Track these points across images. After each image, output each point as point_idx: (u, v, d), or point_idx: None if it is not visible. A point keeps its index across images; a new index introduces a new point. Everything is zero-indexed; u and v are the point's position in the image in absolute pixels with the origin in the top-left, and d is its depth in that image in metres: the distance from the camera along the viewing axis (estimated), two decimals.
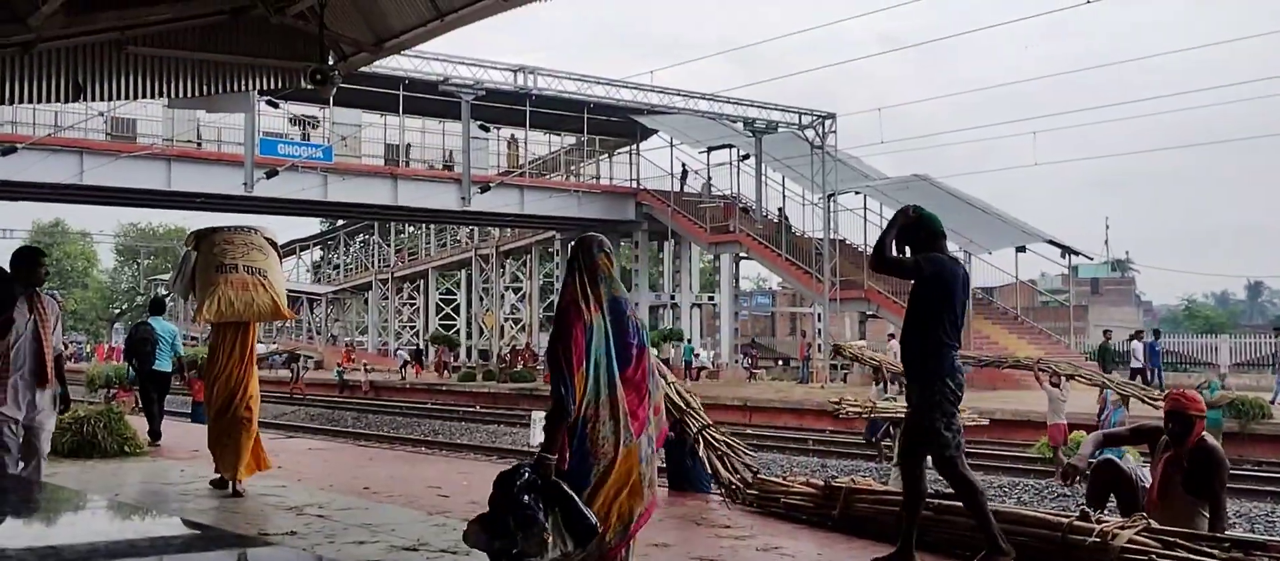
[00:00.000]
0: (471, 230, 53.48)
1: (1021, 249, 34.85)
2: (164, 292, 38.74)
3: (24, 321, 6.72)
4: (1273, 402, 22.85)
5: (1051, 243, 35.12)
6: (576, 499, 3.77)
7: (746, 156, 40.66)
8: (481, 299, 53.60)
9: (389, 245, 62.21)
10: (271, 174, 33.55)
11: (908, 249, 5.80)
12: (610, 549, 4.03)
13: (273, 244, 8.48)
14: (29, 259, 7.02)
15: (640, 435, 4.06)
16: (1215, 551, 5.37)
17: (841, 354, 21.42)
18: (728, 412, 25.50)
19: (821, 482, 7.59)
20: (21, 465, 6.68)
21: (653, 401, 4.19)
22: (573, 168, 43.89)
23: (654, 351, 4.94)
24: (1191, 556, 5.24)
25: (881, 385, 19.03)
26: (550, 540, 3.65)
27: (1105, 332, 25.99)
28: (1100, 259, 60.49)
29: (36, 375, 6.71)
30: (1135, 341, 26.51)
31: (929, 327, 5.61)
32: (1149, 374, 25.98)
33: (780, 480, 8.31)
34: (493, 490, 3.87)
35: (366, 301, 64.47)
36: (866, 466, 16.68)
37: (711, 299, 45.44)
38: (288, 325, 61.93)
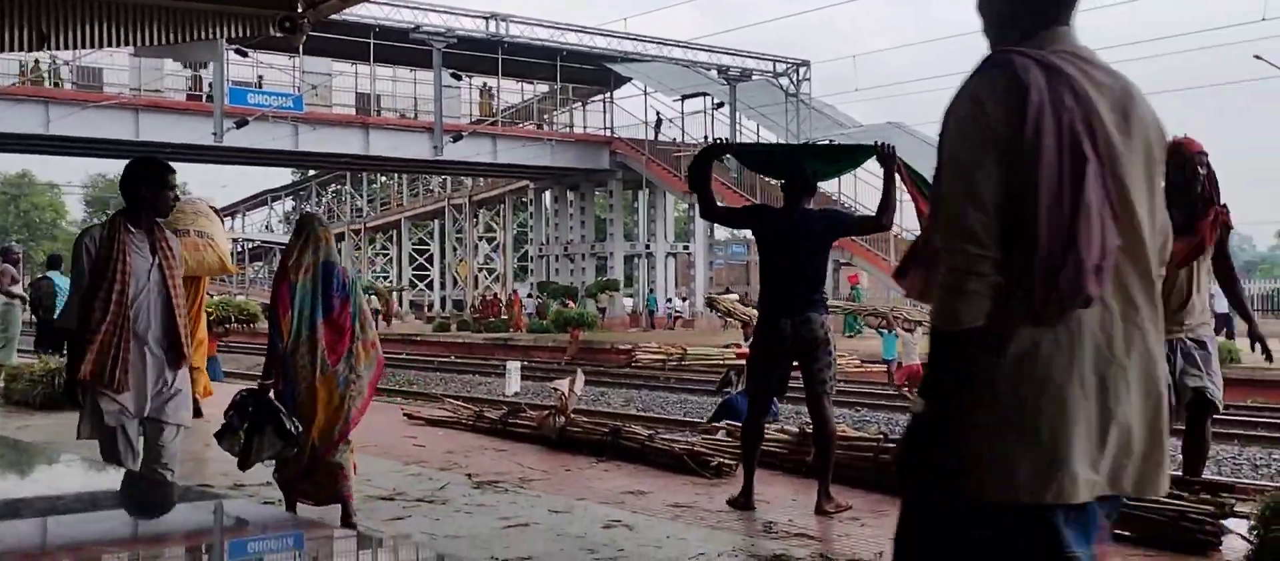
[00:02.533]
0: (444, 180, 53.19)
1: None
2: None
3: (145, 267, 4.72)
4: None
5: None
6: (282, 411, 5.06)
7: (721, 104, 40.51)
8: (455, 249, 53.42)
9: (361, 195, 61.80)
10: (241, 124, 33.19)
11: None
12: (322, 450, 5.21)
13: (215, 211, 9.96)
14: (151, 175, 4.84)
15: (337, 364, 5.24)
16: (1185, 494, 5.43)
17: (715, 308, 21.50)
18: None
19: (797, 430, 7.63)
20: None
21: (362, 338, 5.37)
22: (546, 116, 43.62)
23: (373, 299, 6.40)
24: (1164, 499, 5.29)
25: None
26: (260, 442, 5.03)
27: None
28: None
29: (166, 346, 4.74)
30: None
31: (762, 278, 6.44)
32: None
33: None
34: (228, 406, 5.18)
35: (339, 252, 64.14)
36: (840, 413, 16.78)
37: (686, 248, 45.46)
38: (259, 277, 61.63)
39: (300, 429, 5.06)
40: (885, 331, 22.68)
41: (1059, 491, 2.03)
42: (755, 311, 20.58)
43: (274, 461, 5.24)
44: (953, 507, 2.11)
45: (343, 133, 37.18)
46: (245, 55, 33.41)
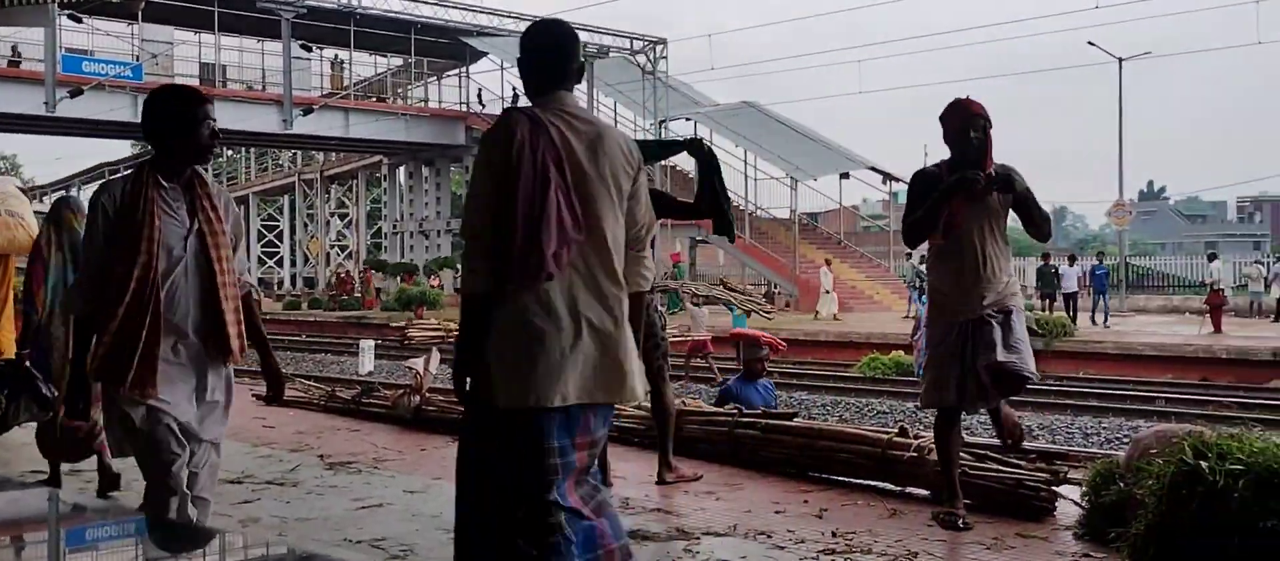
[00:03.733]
0: (294, 154, 51.81)
1: (845, 175, 35.85)
2: None
3: (180, 233, 3.59)
4: (1104, 323, 24.32)
5: (873, 169, 36.22)
6: (39, 377, 5.17)
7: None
8: (306, 225, 52.13)
9: (206, 169, 59.74)
10: (76, 93, 31.66)
11: None
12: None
13: (24, 192, 9.80)
14: (182, 108, 3.69)
15: None
16: (1022, 463, 5.68)
17: None
18: None
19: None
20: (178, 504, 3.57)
21: None
22: (400, 90, 42.88)
23: None
24: (1002, 469, 5.53)
25: None
26: (17, 407, 5.12)
27: (1044, 255, 26.70)
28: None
29: (207, 338, 3.63)
30: (1067, 265, 26.85)
31: None
32: (1093, 299, 25.82)
33: None
34: None
35: None
36: (695, 388, 17.02)
37: None
38: None
39: (56, 393, 5.17)
40: (733, 306, 23.08)
41: (538, 399, 3.00)
42: None
43: (36, 427, 5.58)
44: (482, 412, 3.09)
45: None
46: (80, 21, 31.86)
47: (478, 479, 3.09)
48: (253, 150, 54.74)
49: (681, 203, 6.59)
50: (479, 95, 41.85)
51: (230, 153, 59.35)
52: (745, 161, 36.25)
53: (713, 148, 6.45)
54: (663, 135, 36.18)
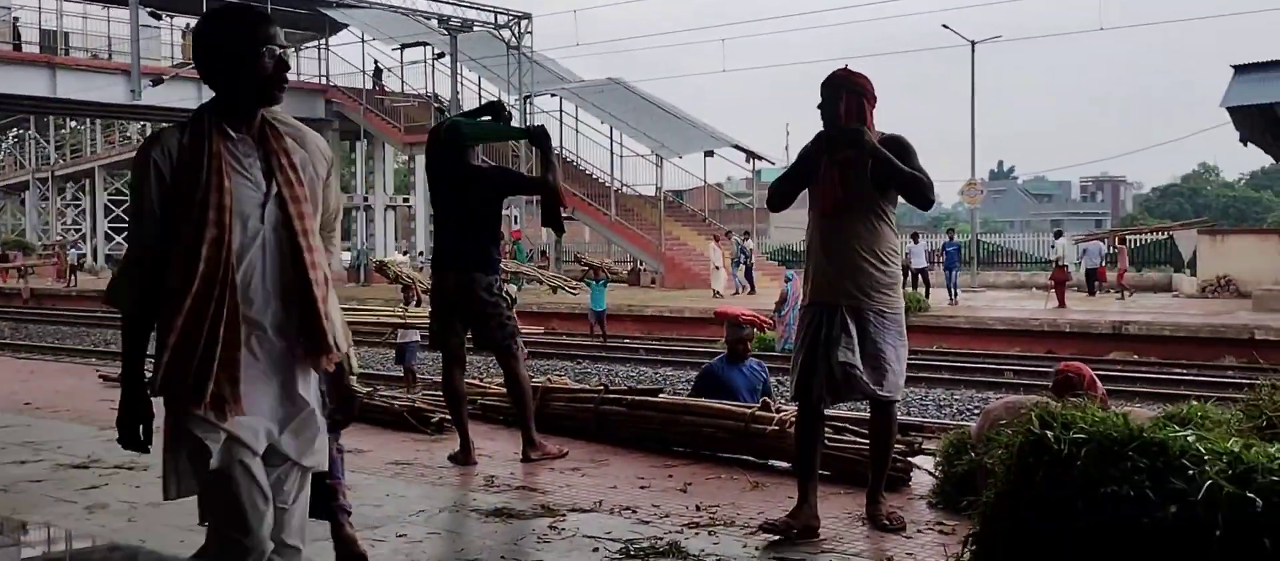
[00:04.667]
0: (144, 125, 49.80)
1: (710, 153, 36.17)
2: None
3: (255, 200, 2.81)
4: (953, 299, 25.10)
5: (737, 147, 36.64)
6: None
7: (441, 55, 39.81)
8: None
9: (48, 141, 56.96)
10: None
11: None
12: None
13: None
14: (233, 31, 2.86)
15: None
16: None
17: (385, 273, 21.33)
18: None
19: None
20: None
21: None
22: None
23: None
24: (860, 440, 5.66)
25: (412, 304, 15.87)
26: None
27: (913, 235, 27.21)
28: (782, 164, 63.76)
29: (292, 334, 2.84)
30: (912, 243, 27.30)
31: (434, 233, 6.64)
32: (945, 276, 26.19)
33: (476, 382, 8.33)
34: None
35: (23, 202, 58.98)
36: (561, 365, 17.02)
37: (407, 201, 44.59)
38: None
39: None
40: (593, 282, 23.16)
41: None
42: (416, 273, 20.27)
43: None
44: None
45: (24, 72, 34.11)
46: None
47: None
48: (99, 122, 52.47)
49: (529, 180, 6.60)
50: (376, 70, 40.92)
51: (74, 124, 56.79)
52: (611, 138, 36.30)
53: (552, 138, 6.47)
54: (529, 111, 36.00)
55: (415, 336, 13.14)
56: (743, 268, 30.56)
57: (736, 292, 29.40)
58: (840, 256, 4.64)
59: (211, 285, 2.69)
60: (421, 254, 35.02)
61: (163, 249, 2.74)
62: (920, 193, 4.62)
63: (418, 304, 14.15)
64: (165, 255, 2.73)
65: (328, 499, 4.00)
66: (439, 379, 7.22)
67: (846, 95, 4.67)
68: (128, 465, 6.07)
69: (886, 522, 4.72)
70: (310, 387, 2.88)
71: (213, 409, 2.67)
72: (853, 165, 4.61)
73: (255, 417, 2.74)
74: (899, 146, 4.65)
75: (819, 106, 4.72)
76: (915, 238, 27.26)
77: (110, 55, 37.20)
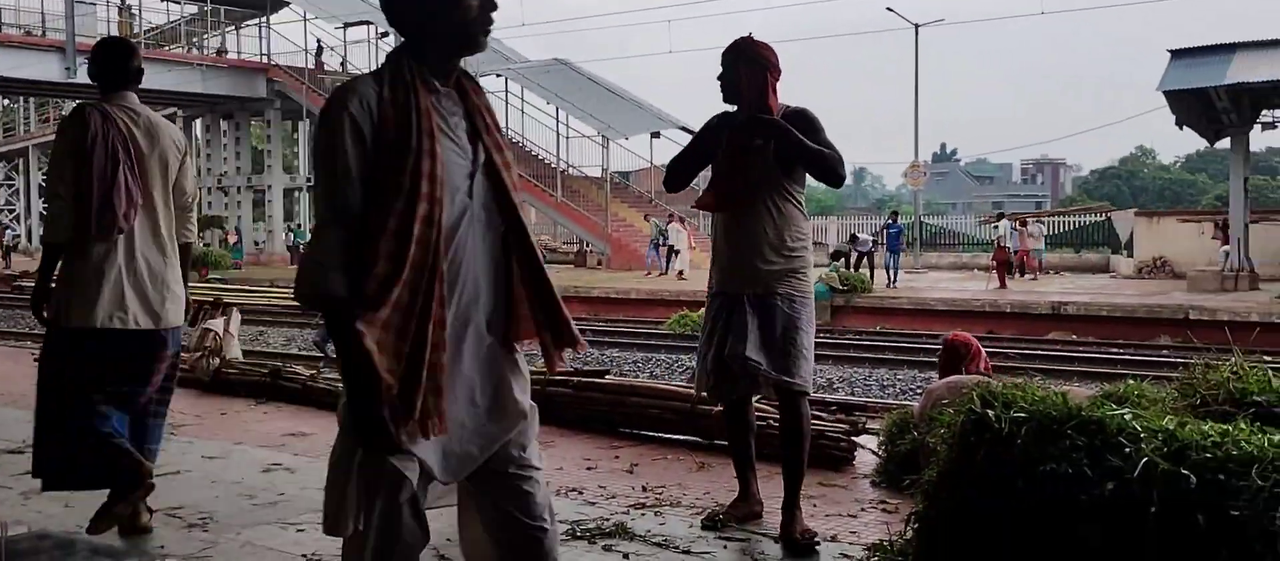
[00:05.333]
0: (78, 103, 48.80)
1: (656, 134, 36.14)
2: None
3: (464, 169, 2.38)
4: (892, 281, 25.29)
5: (684, 129, 36.58)
6: None
7: (385, 34, 39.30)
8: None
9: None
10: None
11: None
12: None
13: None
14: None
15: None
16: (824, 414, 5.88)
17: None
18: None
19: None
20: None
21: None
22: (196, 39, 40.84)
23: None
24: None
25: None
26: None
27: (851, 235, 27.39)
28: None
29: (502, 329, 2.48)
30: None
31: None
32: (886, 259, 26.01)
33: None
34: None
35: None
36: None
37: None
38: None
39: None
40: None
41: (85, 320, 4.10)
42: None
43: None
44: (60, 330, 4.20)
45: None
46: None
47: (57, 383, 4.19)
48: (33, 100, 51.32)
49: None
50: (318, 49, 40.33)
51: (7, 101, 55.50)
52: (557, 119, 36.15)
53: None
54: None
55: None
56: (664, 248, 30.28)
57: (651, 274, 29.36)
58: (744, 242, 4.30)
59: (421, 274, 2.24)
60: None
61: (362, 226, 2.26)
62: (830, 169, 4.21)
63: None
64: (368, 233, 2.25)
65: (137, 470, 4.21)
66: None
67: (746, 67, 4.29)
68: None
69: (799, 538, 4.18)
70: (525, 388, 2.48)
71: (423, 422, 2.25)
72: (756, 147, 4.25)
73: (459, 437, 2.36)
74: (805, 121, 4.25)
75: (718, 77, 4.36)
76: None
77: (44, 32, 36.35)
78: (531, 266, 2.45)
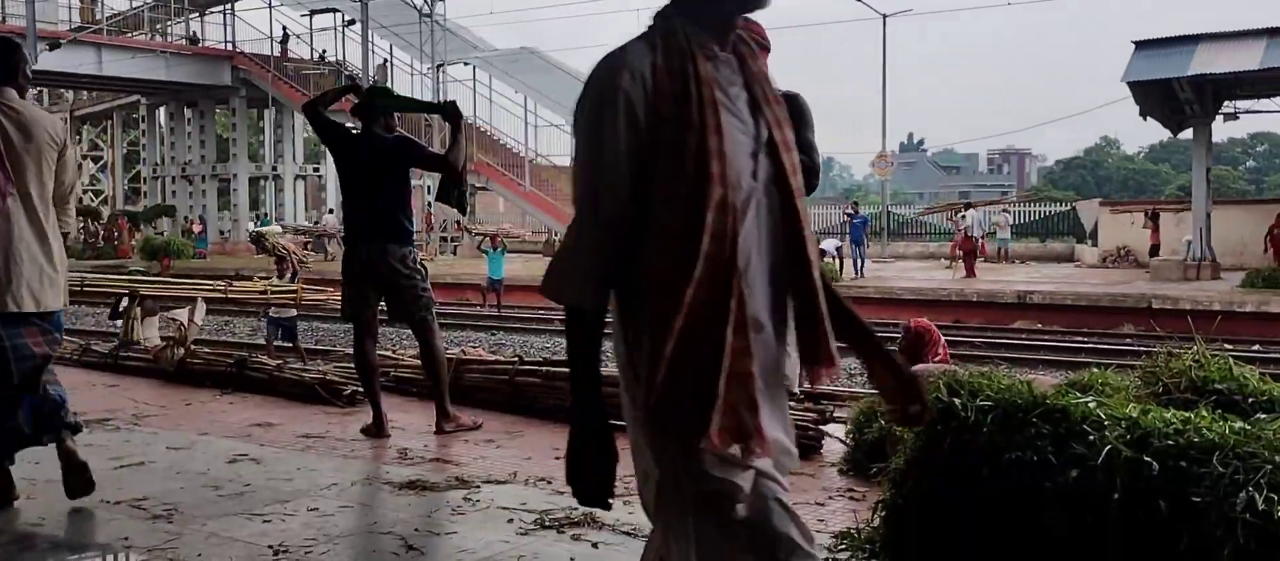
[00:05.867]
0: (41, 92, 48.18)
1: None
2: None
3: (746, 150, 2.03)
4: (859, 272, 25.37)
5: None
6: None
7: (351, 22, 39.08)
8: None
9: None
10: None
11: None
12: None
13: None
14: None
15: None
16: (791, 403, 5.89)
17: (262, 245, 20.81)
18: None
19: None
20: None
21: None
22: (159, 26, 40.40)
23: None
24: None
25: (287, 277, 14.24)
26: None
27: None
28: None
29: (786, 327, 2.14)
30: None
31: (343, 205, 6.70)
32: (852, 250, 25.44)
33: (390, 353, 8.25)
34: None
35: None
36: (475, 338, 16.91)
37: (317, 171, 43.79)
38: None
39: None
40: (490, 250, 23.03)
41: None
42: (293, 245, 19.85)
43: None
44: None
45: None
46: None
47: None
48: None
49: (433, 154, 6.53)
50: (284, 36, 39.98)
51: None
52: (525, 108, 36.04)
53: (463, 115, 6.36)
54: (442, 81, 35.56)
55: (292, 312, 12.03)
56: None
57: None
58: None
59: (717, 268, 1.91)
60: (328, 219, 34.43)
61: (631, 213, 1.95)
62: (808, 178, 3.84)
63: (293, 277, 12.92)
64: (633, 224, 1.96)
65: (58, 418, 4.63)
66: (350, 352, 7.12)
67: None
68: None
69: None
70: (786, 405, 2.15)
71: (728, 437, 1.91)
72: None
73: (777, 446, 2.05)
74: (795, 107, 3.83)
75: None
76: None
77: (4, 18, 35.84)
78: (795, 260, 2.08)
